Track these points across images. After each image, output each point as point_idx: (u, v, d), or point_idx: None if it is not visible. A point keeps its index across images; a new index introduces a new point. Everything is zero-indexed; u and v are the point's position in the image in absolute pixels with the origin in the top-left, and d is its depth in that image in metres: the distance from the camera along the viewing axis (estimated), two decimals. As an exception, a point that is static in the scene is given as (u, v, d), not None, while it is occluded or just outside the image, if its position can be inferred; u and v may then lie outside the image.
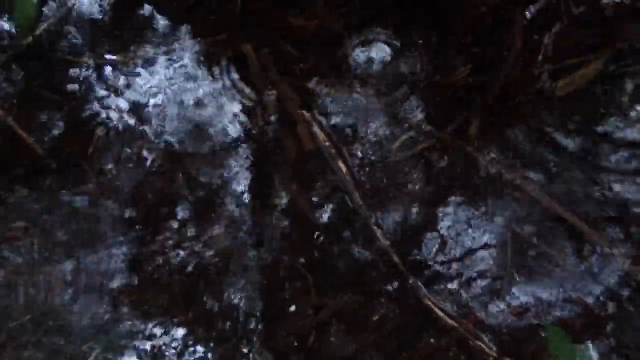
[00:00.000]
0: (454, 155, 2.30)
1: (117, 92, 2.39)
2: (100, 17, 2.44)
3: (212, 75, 2.39)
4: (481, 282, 2.20)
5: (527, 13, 2.37)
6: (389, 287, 2.20)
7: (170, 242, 2.26)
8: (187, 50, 2.42)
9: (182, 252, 2.26)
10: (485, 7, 2.39)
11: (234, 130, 2.35)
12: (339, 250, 2.24)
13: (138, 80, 2.40)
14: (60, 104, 2.38)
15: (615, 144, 2.27)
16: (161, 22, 2.45)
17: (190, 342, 2.18)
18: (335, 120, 2.34)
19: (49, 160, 2.33)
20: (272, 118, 2.36)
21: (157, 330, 2.19)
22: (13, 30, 2.42)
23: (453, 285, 2.20)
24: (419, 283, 2.19)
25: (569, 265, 2.20)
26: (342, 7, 2.44)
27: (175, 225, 2.28)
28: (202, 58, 2.41)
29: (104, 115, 2.37)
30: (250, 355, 2.17)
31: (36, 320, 2.19)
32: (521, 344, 2.14)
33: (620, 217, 2.23)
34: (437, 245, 2.23)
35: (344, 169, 2.28)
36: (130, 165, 2.32)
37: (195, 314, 2.21)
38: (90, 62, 2.41)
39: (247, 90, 2.38)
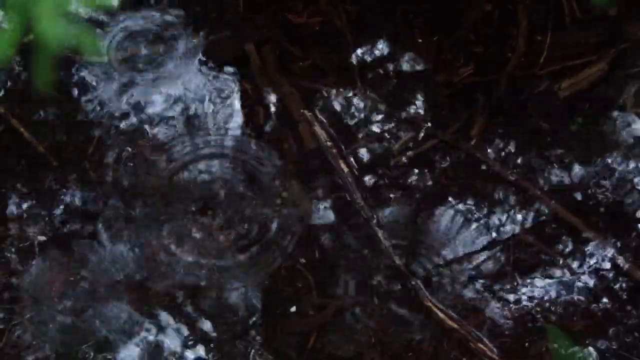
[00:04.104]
0: (456, 155, 2.29)
1: (119, 90, 2.38)
2: (102, 15, 2.44)
3: (214, 74, 2.39)
4: (482, 284, 2.19)
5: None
6: (390, 288, 2.20)
7: (171, 240, 2.26)
8: (188, 48, 2.41)
9: (182, 251, 2.25)
10: (489, 6, 2.38)
11: (235, 129, 2.34)
12: (340, 251, 2.24)
13: (139, 78, 2.39)
14: (62, 102, 2.37)
15: (618, 145, 2.27)
16: (163, 20, 2.44)
17: (190, 343, 2.18)
18: (337, 120, 2.34)
19: (50, 159, 2.32)
20: (274, 117, 2.35)
21: (157, 330, 2.19)
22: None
23: (454, 287, 2.19)
24: (420, 284, 2.19)
25: (570, 267, 2.19)
26: (344, 5, 2.43)
27: (175, 223, 2.27)
28: (203, 56, 2.40)
29: (105, 113, 2.36)
30: (251, 355, 2.17)
31: (37, 321, 2.19)
32: (523, 347, 2.14)
33: (622, 218, 2.23)
34: (438, 246, 2.23)
35: (345, 169, 2.28)
36: (131, 164, 2.32)
37: (195, 313, 2.20)
38: (92, 59, 2.40)
39: (249, 89, 2.38)
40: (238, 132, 2.34)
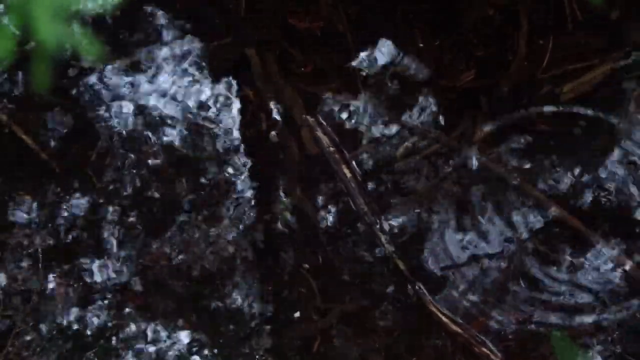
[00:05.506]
0: (459, 160, 2.29)
1: (121, 96, 2.38)
2: (104, 20, 2.43)
3: (216, 79, 2.39)
4: (485, 288, 2.19)
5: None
6: (394, 293, 2.20)
7: (174, 246, 2.26)
8: (191, 54, 2.41)
9: (185, 257, 2.25)
10: (492, 11, 2.38)
11: (237, 135, 2.34)
12: (343, 256, 2.24)
13: (141, 84, 2.39)
14: (64, 108, 2.37)
15: (620, 147, 2.27)
16: (165, 25, 2.44)
17: (194, 349, 2.18)
18: (339, 124, 2.33)
19: (53, 165, 2.32)
20: (276, 122, 2.35)
21: (161, 336, 2.19)
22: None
23: (457, 291, 2.20)
24: (424, 289, 2.19)
25: (573, 270, 2.19)
26: (345, 6, 2.42)
27: (178, 230, 2.27)
28: (206, 62, 2.40)
29: (107, 119, 2.36)
30: (255, 360, 2.18)
31: (40, 327, 2.19)
32: (527, 351, 2.14)
33: (626, 221, 2.23)
34: (441, 251, 2.23)
35: (348, 174, 2.28)
36: (134, 169, 2.32)
37: (198, 319, 2.21)
38: (94, 65, 2.40)
39: (251, 94, 2.38)
40: (239, 136, 2.34)
